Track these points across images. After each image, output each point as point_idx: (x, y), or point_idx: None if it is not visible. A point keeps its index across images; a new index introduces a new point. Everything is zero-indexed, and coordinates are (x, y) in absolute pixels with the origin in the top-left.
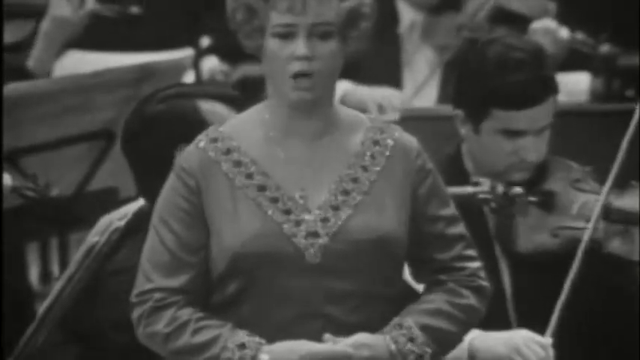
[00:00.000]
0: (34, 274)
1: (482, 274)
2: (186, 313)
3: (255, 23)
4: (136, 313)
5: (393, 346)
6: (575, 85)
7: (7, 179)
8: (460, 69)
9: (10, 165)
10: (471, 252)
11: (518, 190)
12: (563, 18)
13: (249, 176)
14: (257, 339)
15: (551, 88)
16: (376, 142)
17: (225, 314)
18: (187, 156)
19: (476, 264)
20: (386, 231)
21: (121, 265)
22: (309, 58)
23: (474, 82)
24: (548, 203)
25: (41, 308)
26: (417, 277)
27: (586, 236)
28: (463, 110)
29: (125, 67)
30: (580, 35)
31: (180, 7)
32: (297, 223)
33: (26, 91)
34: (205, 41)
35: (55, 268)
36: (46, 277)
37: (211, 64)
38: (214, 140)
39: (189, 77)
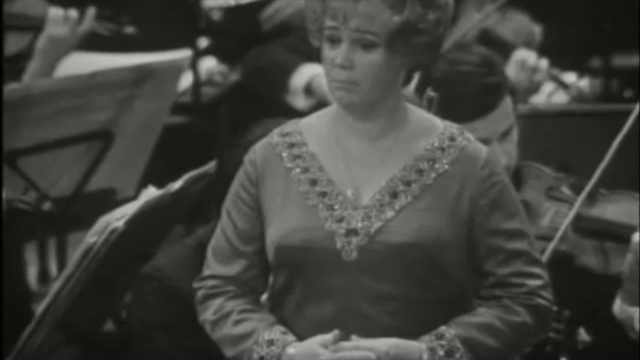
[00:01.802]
0: (32, 274)
1: (545, 292)
2: (232, 304)
3: (317, 24)
4: (195, 299)
5: (426, 356)
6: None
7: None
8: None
9: (9, 166)
10: (535, 269)
11: None
12: (548, 42)
13: (305, 170)
14: (288, 337)
15: (501, 93)
16: (442, 149)
17: (275, 307)
18: (255, 148)
19: (537, 282)
20: (425, 237)
21: (155, 273)
22: (347, 67)
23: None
24: None
25: (39, 308)
26: (477, 289)
27: (550, 247)
28: None
29: (123, 68)
30: (555, 71)
31: (171, 19)
32: (339, 220)
33: (24, 92)
34: (203, 42)
35: (53, 268)
36: (44, 277)
37: (209, 65)
38: (285, 134)
39: (187, 78)
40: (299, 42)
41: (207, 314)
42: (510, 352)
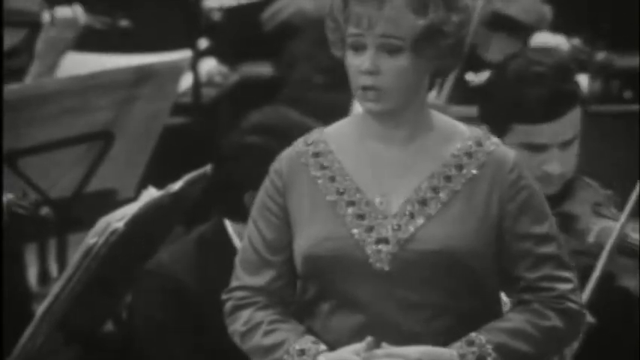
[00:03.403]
0: (32, 274)
1: (575, 296)
2: (261, 314)
3: (338, 34)
4: (224, 310)
5: None
6: None
7: None
8: (484, 85)
9: (9, 166)
10: (564, 273)
11: None
12: (559, 22)
13: (332, 179)
14: (319, 346)
15: (572, 102)
16: (469, 154)
17: (305, 317)
18: (281, 157)
19: (567, 286)
20: (457, 244)
21: (157, 269)
22: (374, 73)
23: (495, 97)
24: (567, 226)
25: (39, 309)
26: (507, 294)
27: (599, 266)
28: (486, 125)
29: (123, 69)
30: (576, 41)
31: (171, 20)
32: (369, 229)
33: (25, 92)
34: (203, 43)
35: (53, 269)
36: (44, 277)
37: (209, 65)
38: (309, 143)
39: (187, 79)
40: (300, 90)
41: (236, 325)
42: (541, 356)
